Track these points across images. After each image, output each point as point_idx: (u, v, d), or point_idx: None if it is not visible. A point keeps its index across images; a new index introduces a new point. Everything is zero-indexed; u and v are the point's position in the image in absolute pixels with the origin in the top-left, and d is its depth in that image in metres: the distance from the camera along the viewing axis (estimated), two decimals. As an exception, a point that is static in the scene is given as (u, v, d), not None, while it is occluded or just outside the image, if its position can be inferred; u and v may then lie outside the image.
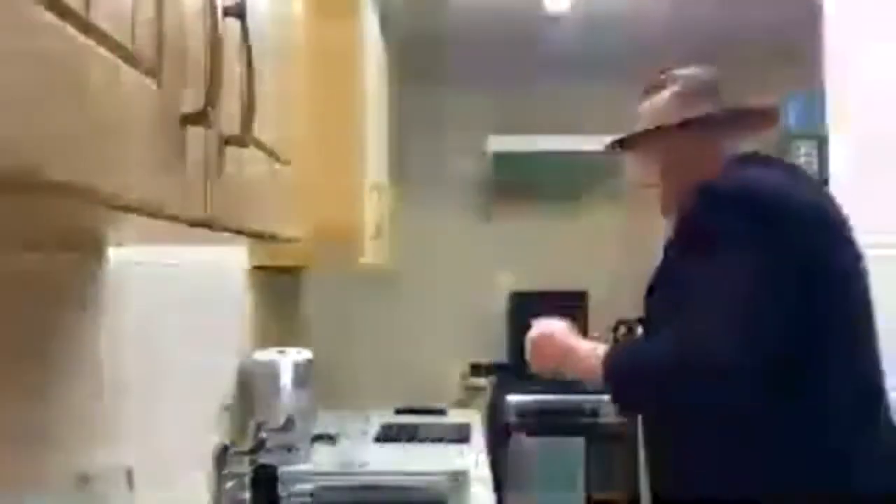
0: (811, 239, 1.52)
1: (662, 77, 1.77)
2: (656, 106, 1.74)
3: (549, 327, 1.79)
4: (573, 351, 1.72)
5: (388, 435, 2.92)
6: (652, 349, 1.60)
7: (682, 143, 1.72)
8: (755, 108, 1.78)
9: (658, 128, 1.73)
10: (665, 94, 1.74)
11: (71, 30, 0.54)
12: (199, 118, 0.77)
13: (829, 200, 1.67)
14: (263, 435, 2.00)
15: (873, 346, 1.59)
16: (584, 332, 1.90)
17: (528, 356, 1.81)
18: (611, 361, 1.61)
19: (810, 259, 1.50)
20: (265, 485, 1.95)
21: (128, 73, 0.63)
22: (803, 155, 3.09)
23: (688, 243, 1.57)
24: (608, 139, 1.87)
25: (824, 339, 1.50)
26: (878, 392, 1.59)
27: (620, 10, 3.41)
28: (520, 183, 4.15)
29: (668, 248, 1.61)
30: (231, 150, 0.91)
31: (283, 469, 2.07)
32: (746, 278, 1.46)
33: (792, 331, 1.46)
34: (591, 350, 1.67)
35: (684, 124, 1.70)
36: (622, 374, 1.60)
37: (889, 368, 1.63)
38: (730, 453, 1.52)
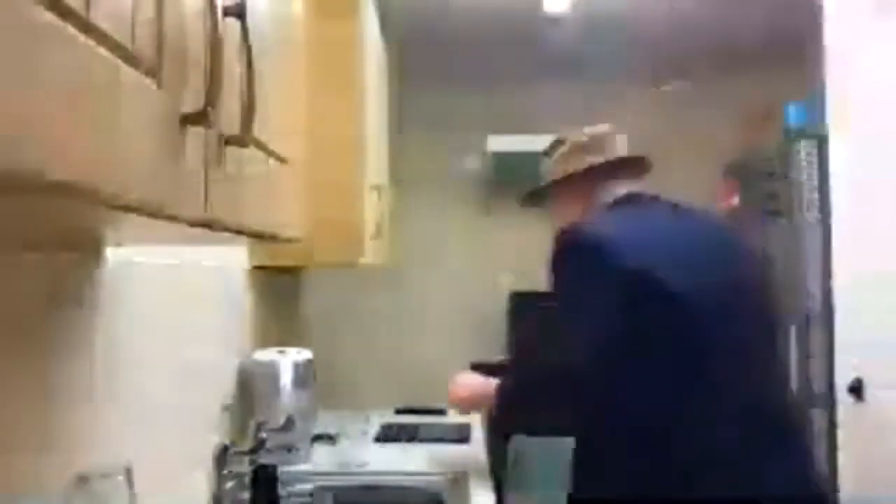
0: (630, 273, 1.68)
1: (559, 138, 2.04)
2: (548, 164, 2.05)
3: (463, 378, 2.18)
4: (483, 386, 2.03)
5: (388, 435, 2.92)
6: (523, 372, 1.90)
7: (565, 194, 2.01)
8: (629, 157, 1.98)
9: (550, 183, 2.03)
10: (559, 151, 2.02)
11: (71, 30, 0.53)
12: (199, 118, 0.77)
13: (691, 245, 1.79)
14: (263, 435, 2.00)
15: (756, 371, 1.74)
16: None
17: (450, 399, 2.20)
18: (500, 390, 1.91)
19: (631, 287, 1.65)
20: (265, 485, 1.94)
21: (128, 73, 0.63)
22: (803, 155, 3.08)
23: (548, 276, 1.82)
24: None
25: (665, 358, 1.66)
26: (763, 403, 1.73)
27: (620, 10, 3.41)
28: (520, 183, 4.14)
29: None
30: (231, 150, 0.91)
31: (283, 469, 2.07)
32: (574, 310, 1.71)
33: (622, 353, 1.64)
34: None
35: (565, 178, 1.98)
36: (508, 397, 1.90)
37: (888, 368, 1.63)
38: (600, 456, 1.79)
